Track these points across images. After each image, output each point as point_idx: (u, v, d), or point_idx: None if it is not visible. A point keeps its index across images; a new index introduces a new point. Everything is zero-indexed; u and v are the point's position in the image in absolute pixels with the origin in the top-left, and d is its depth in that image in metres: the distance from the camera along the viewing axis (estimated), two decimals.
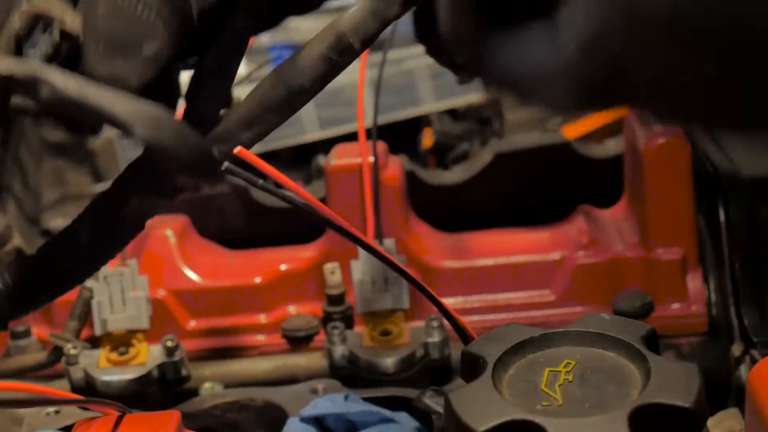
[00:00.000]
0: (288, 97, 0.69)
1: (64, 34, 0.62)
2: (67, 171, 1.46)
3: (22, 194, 1.42)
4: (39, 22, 0.62)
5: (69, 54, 0.63)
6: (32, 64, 0.57)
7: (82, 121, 0.65)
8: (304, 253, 1.11)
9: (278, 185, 0.65)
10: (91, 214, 0.70)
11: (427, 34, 0.84)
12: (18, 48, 0.62)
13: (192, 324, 1.09)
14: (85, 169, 1.45)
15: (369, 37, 0.70)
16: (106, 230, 0.70)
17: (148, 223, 1.15)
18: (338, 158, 1.08)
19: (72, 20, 0.63)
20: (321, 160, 1.44)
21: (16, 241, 0.99)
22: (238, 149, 0.63)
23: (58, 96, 0.57)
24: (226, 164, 0.62)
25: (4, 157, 1.40)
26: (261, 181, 0.62)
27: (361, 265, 1.01)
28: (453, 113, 1.56)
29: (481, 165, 1.24)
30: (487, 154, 1.25)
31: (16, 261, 0.68)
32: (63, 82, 0.57)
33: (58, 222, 1.40)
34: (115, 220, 0.70)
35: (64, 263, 0.69)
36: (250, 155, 0.61)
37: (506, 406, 0.53)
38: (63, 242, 0.69)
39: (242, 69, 1.48)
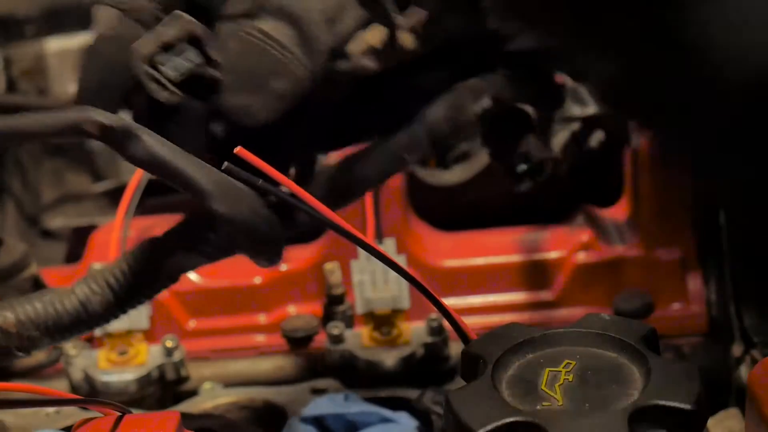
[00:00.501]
0: (353, 184, 0.74)
1: (207, 59, 0.65)
2: (67, 171, 1.46)
3: (22, 194, 1.42)
4: (186, 40, 0.65)
5: (203, 81, 0.66)
6: (130, 121, 0.60)
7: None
8: (304, 253, 1.11)
9: (278, 185, 0.65)
10: (131, 260, 0.71)
11: (494, 141, 0.88)
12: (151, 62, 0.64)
13: (192, 324, 1.09)
14: (85, 169, 1.45)
15: (441, 139, 0.75)
16: (142, 279, 0.72)
17: (149, 222, 1.16)
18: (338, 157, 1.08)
19: (213, 50, 0.66)
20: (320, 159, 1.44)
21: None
22: (237, 149, 0.63)
23: (150, 155, 0.60)
24: (226, 164, 0.63)
25: (4, 157, 1.40)
26: (261, 181, 0.62)
27: (360, 265, 1.01)
28: None
29: (481, 165, 1.24)
30: (487, 154, 1.25)
31: (51, 297, 0.70)
32: (156, 144, 0.60)
33: (57, 222, 1.40)
34: (155, 271, 0.72)
35: (94, 306, 0.70)
36: (251, 155, 0.61)
37: (506, 407, 0.53)
38: (97, 284, 0.70)
39: None
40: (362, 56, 0.70)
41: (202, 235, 0.72)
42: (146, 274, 0.72)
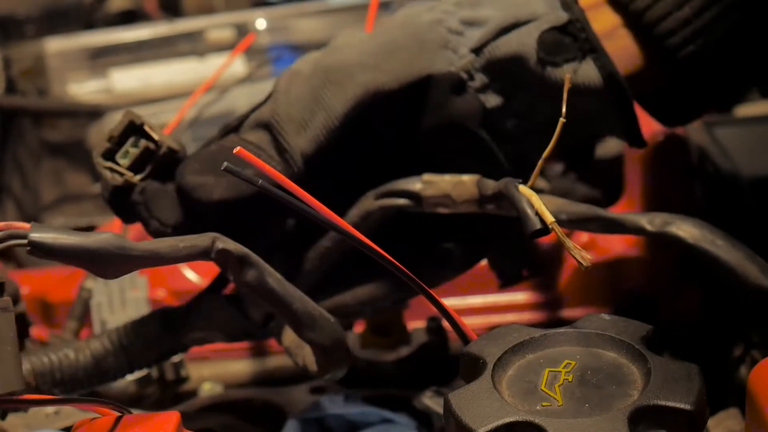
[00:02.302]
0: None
1: (152, 141, 0.71)
2: (66, 171, 1.46)
3: (22, 194, 1.42)
4: (130, 129, 0.71)
5: (158, 163, 0.72)
6: (248, 250, 0.63)
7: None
8: None
9: (277, 185, 0.65)
10: (148, 328, 0.76)
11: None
12: (112, 154, 0.72)
13: None
14: (85, 169, 1.46)
15: None
16: (157, 348, 0.77)
17: None
18: None
19: (163, 138, 0.72)
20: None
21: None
22: (237, 149, 0.63)
23: (261, 282, 0.63)
24: (225, 164, 0.63)
25: (4, 157, 1.40)
26: (260, 181, 0.62)
27: None
28: None
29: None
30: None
31: (65, 352, 0.75)
32: (269, 271, 0.64)
33: (57, 222, 1.40)
34: (171, 341, 0.77)
35: (108, 364, 0.75)
36: (250, 156, 0.62)
37: (506, 407, 0.53)
38: (111, 344, 0.76)
39: (241, 68, 1.48)
40: (435, 199, 0.76)
41: (235, 319, 0.77)
42: (161, 346, 0.77)
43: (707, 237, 0.67)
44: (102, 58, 1.51)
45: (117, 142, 0.72)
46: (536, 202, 0.64)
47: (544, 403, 0.53)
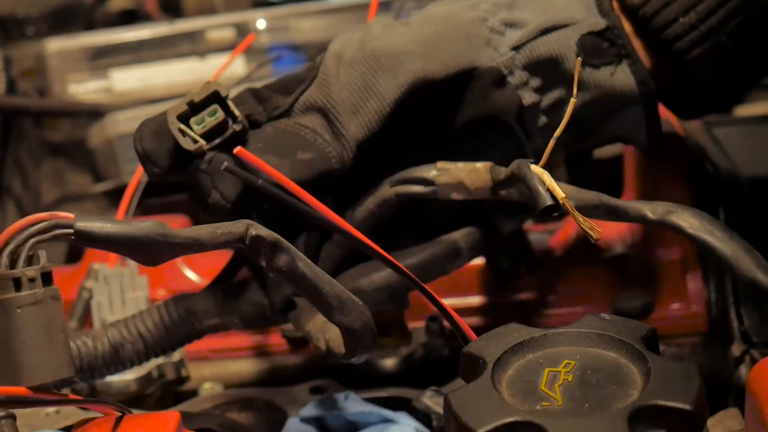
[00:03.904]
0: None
1: (230, 115, 0.72)
2: (67, 171, 1.46)
3: (22, 194, 1.42)
4: (211, 99, 0.72)
5: (230, 138, 0.72)
6: (279, 237, 0.63)
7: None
8: None
9: (277, 185, 0.65)
10: (167, 316, 0.79)
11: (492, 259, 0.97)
12: (186, 118, 0.72)
13: None
14: (85, 170, 1.45)
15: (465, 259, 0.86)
16: (174, 335, 0.79)
17: None
18: None
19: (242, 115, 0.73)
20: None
21: None
22: (237, 149, 0.63)
23: (292, 267, 0.63)
24: (225, 164, 0.63)
25: (4, 157, 1.40)
26: (260, 181, 0.62)
27: None
28: None
29: None
30: None
31: (84, 339, 0.78)
32: (300, 257, 0.64)
33: None
34: (187, 329, 0.80)
35: (126, 352, 0.78)
36: (251, 155, 0.62)
37: (506, 407, 0.53)
38: (129, 332, 0.78)
39: (241, 68, 1.48)
40: (449, 186, 0.77)
41: (247, 304, 0.79)
42: (178, 332, 0.79)
43: (706, 227, 0.68)
44: (102, 58, 1.51)
45: (195, 107, 0.72)
46: (547, 180, 0.65)
47: (544, 403, 0.53)
